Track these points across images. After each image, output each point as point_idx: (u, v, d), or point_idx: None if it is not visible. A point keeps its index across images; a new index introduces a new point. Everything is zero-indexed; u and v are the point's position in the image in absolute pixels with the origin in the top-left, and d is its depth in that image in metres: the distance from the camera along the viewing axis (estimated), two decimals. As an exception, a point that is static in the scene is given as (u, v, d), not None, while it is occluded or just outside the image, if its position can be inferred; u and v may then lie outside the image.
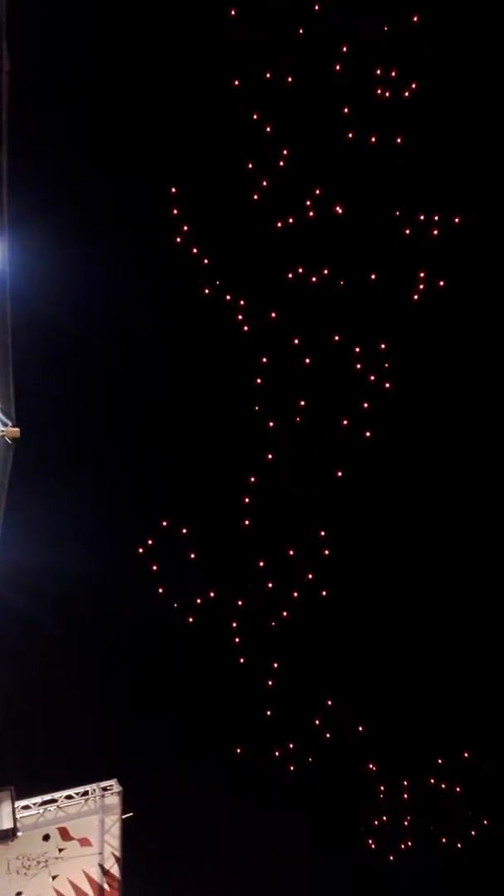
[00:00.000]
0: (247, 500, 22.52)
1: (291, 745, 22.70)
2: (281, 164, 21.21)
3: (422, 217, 22.00)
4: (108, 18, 18.97)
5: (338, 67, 20.86)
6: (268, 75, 20.61)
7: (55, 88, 18.89)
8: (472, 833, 22.90)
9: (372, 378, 22.69)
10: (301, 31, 20.47)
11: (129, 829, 17.67)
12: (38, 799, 17.15)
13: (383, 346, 22.60)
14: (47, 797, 17.27)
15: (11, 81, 8.91)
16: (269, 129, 20.95)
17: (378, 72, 21.08)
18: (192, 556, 22.17)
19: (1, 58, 8.25)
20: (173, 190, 20.70)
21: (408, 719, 22.62)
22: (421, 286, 22.46)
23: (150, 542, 21.89)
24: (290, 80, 20.74)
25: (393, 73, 21.13)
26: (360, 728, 22.82)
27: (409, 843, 23.16)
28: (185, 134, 20.36)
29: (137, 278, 20.32)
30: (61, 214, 18.93)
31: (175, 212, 20.85)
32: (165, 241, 20.87)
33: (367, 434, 22.93)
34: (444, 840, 22.89)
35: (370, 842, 22.99)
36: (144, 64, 19.59)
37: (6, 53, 8.41)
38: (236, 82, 20.42)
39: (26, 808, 16.95)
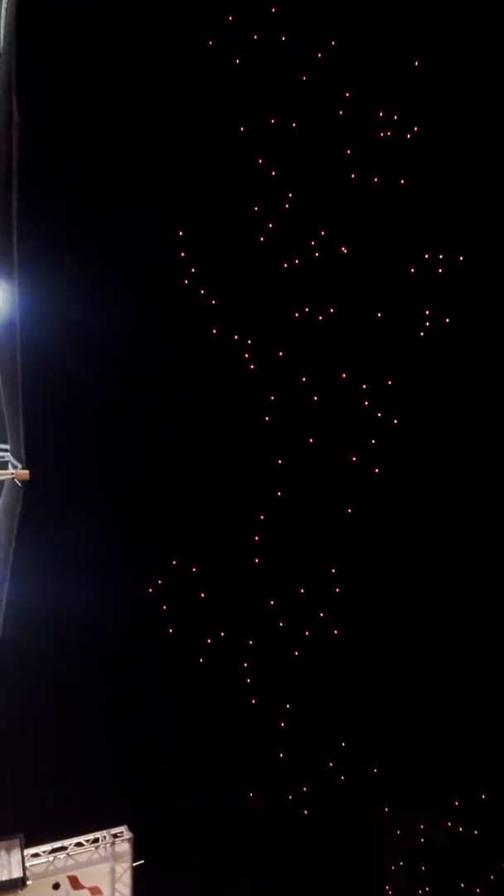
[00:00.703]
0: (256, 537, 22.49)
1: (305, 789, 22.37)
2: (286, 206, 21.56)
3: (426, 255, 22.28)
4: (115, 62, 19.40)
5: (341, 112, 21.33)
6: (272, 121, 21.05)
7: (63, 134, 19.26)
8: (491, 877, 22.44)
9: (379, 415, 22.80)
10: (304, 78, 20.97)
11: (141, 877, 17.36)
12: (48, 847, 16.89)
13: (390, 382, 22.76)
14: (57, 844, 17.01)
15: (21, 133, 9.10)
16: (273, 173, 21.33)
17: (381, 114, 21.54)
18: (202, 594, 22.07)
19: (11, 111, 8.44)
20: (181, 233, 21.00)
21: (423, 760, 22.28)
22: (427, 323, 22.67)
23: (159, 581, 21.82)
24: (294, 124, 21.17)
25: (395, 116, 21.60)
26: (375, 769, 22.49)
27: (427, 889, 22.67)
28: (192, 178, 20.71)
29: (146, 320, 20.53)
30: (70, 257, 19.18)
31: (182, 254, 21.13)
32: (174, 283, 21.13)
33: (376, 470, 22.97)
34: (462, 885, 22.42)
35: (387, 889, 22.52)
36: (152, 109, 20.00)
37: (15, 107, 8.61)
38: (242, 128, 20.85)
39: (36, 855, 16.69)
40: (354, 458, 22.86)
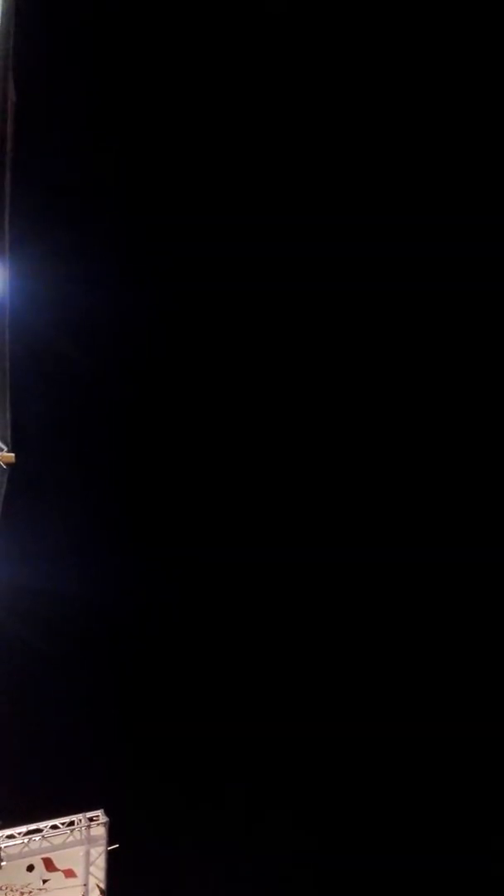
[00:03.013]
0: (247, 520, 22.46)
1: (284, 772, 22.47)
2: (287, 200, 21.43)
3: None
4: (111, 41, 19.17)
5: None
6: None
7: (58, 111, 19.02)
8: None
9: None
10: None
11: (115, 861, 17.37)
12: (23, 828, 16.86)
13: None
14: (32, 826, 16.98)
15: (16, 111, 8.95)
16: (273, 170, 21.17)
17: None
18: (188, 578, 22.07)
19: (6, 89, 8.30)
20: (175, 216, 20.84)
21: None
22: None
23: (144, 565, 21.79)
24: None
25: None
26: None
27: None
28: (185, 156, 20.53)
29: (138, 304, 20.40)
30: (63, 238, 19.00)
31: (178, 240, 20.98)
32: (166, 268, 20.99)
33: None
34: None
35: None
36: (149, 88, 19.80)
37: (12, 85, 8.46)
38: (238, 120, 20.64)
39: (11, 837, 16.68)
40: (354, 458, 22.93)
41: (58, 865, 16.84)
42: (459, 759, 22.35)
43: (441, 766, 22.55)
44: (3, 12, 8.13)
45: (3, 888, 16.31)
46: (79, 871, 16.85)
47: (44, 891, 16.61)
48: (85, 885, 16.79)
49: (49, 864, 16.80)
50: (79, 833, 17.19)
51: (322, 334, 22.64)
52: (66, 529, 20.09)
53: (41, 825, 17.04)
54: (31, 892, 16.53)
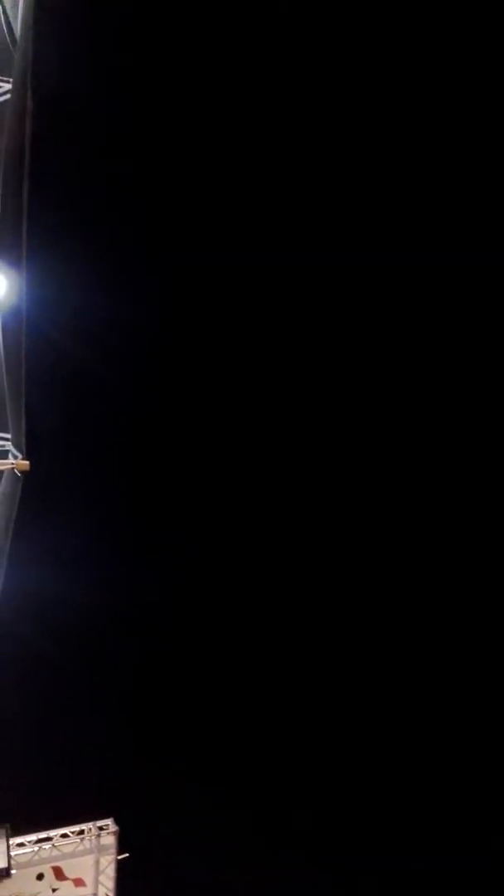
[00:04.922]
0: (257, 531, 22.40)
1: (294, 787, 22.32)
2: (288, 202, 21.44)
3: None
4: (126, 55, 19.27)
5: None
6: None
7: (77, 123, 19.14)
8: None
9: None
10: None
11: (125, 871, 17.31)
12: (34, 837, 16.85)
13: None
14: (42, 835, 16.96)
15: (34, 122, 9.02)
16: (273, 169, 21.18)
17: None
18: (200, 587, 22.02)
19: (25, 102, 8.37)
20: (191, 229, 20.88)
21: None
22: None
23: (155, 573, 21.76)
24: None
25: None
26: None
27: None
28: (199, 167, 20.56)
29: (153, 314, 20.44)
30: (80, 248, 19.08)
31: (192, 251, 21.01)
32: (180, 278, 21.02)
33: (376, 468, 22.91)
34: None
35: None
36: (163, 102, 19.88)
37: (31, 97, 8.53)
38: (242, 127, 20.66)
39: (21, 845, 16.65)
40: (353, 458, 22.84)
41: (67, 874, 16.81)
42: (459, 759, 22.24)
43: (441, 765, 22.44)
44: (22, 28, 8.21)
45: (13, 896, 16.29)
46: (88, 879, 16.83)
47: (53, 900, 16.60)
48: (94, 894, 16.78)
49: (59, 873, 16.77)
50: (89, 842, 17.18)
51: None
52: (79, 536, 20.13)
53: (51, 833, 17.02)
54: (40, 900, 16.51)
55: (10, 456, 12.52)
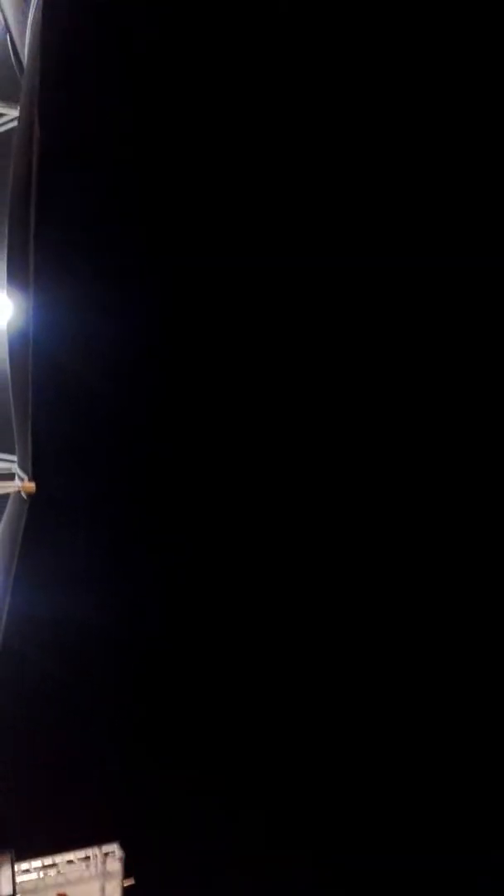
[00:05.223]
0: (262, 549, 22.35)
1: (299, 806, 22.11)
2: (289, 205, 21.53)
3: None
4: (131, 76, 19.47)
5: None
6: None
7: (83, 148, 19.33)
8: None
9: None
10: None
11: (130, 896, 17.13)
12: (39, 863, 16.68)
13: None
14: (48, 861, 16.79)
15: (41, 147, 9.11)
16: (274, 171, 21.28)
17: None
18: (206, 606, 21.93)
19: (32, 125, 8.46)
20: (196, 248, 21.01)
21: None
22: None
23: (162, 593, 21.70)
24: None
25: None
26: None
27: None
28: (203, 183, 20.70)
29: (158, 334, 20.54)
30: (86, 270, 19.22)
31: (196, 271, 21.14)
32: (188, 298, 21.14)
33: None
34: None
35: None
36: (167, 120, 20.06)
37: (37, 122, 8.63)
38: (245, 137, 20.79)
39: (26, 871, 16.48)
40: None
41: (73, 901, 16.64)
42: (459, 759, 22.07)
43: (441, 765, 22.26)
44: (29, 51, 8.32)
45: (18, 923, 16.08)
46: (94, 906, 16.66)
47: (59, 926, 16.41)
48: (100, 921, 16.58)
49: (64, 900, 16.61)
50: (94, 868, 17.00)
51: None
52: (84, 557, 20.11)
53: (57, 859, 16.85)
54: (46, 927, 16.33)
55: (16, 478, 12.53)
